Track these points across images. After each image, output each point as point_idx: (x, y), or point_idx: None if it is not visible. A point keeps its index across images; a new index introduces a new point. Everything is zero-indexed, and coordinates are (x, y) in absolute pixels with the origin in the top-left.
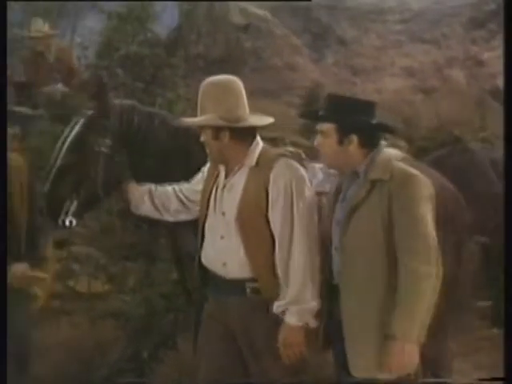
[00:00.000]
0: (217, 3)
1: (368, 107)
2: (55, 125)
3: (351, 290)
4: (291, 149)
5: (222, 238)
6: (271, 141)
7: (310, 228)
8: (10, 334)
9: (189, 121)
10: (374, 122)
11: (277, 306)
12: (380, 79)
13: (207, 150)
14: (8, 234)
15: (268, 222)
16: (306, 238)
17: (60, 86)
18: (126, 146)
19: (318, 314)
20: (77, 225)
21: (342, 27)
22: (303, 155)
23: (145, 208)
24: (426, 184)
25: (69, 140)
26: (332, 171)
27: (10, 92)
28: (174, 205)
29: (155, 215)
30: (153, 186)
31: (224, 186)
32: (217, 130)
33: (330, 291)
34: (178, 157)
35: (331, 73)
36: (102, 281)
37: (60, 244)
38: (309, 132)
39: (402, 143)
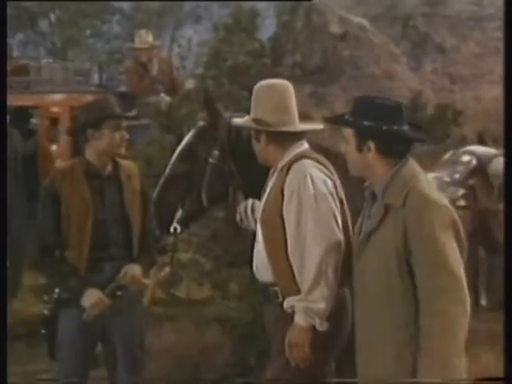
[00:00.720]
0: (314, 13)
1: (393, 112)
2: (163, 134)
3: (364, 315)
4: None
5: (256, 242)
6: None
7: (325, 228)
8: (124, 337)
9: (234, 121)
10: (395, 128)
11: (286, 302)
12: (478, 87)
13: None
14: (121, 238)
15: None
16: (321, 237)
17: (164, 96)
18: (234, 157)
19: (329, 318)
20: (183, 232)
21: (441, 35)
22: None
23: (247, 222)
24: (444, 210)
25: (179, 150)
26: (447, 179)
27: (113, 100)
28: None
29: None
30: (257, 201)
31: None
32: (257, 133)
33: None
34: None
35: (429, 81)
36: (206, 287)
37: (165, 251)
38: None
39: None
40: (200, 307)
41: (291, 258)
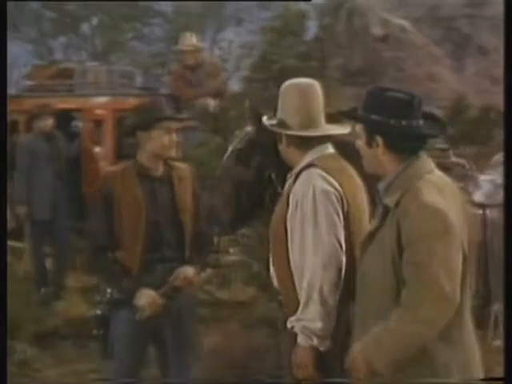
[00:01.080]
0: (356, 16)
1: (404, 105)
2: (211, 136)
3: (362, 317)
4: (454, 159)
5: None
6: (441, 151)
7: (324, 244)
8: (176, 338)
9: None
10: (404, 123)
11: (289, 322)
12: None
13: None
14: (173, 240)
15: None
16: (318, 253)
17: (209, 99)
18: (278, 162)
19: (330, 337)
20: (228, 234)
21: (483, 36)
22: (467, 166)
23: None
24: (439, 217)
25: (226, 154)
26: (500, 182)
27: (164, 102)
28: None
29: None
30: None
31: None
32: (279, 134)
33: None
34: None
35: (471, 83)
36: (251, 288)
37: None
38: (467, 141)
39: None
40: (245, 309)
41: (293, 270)
